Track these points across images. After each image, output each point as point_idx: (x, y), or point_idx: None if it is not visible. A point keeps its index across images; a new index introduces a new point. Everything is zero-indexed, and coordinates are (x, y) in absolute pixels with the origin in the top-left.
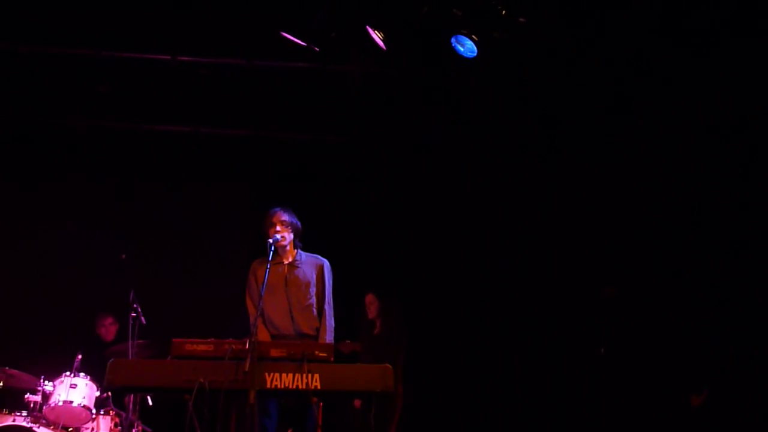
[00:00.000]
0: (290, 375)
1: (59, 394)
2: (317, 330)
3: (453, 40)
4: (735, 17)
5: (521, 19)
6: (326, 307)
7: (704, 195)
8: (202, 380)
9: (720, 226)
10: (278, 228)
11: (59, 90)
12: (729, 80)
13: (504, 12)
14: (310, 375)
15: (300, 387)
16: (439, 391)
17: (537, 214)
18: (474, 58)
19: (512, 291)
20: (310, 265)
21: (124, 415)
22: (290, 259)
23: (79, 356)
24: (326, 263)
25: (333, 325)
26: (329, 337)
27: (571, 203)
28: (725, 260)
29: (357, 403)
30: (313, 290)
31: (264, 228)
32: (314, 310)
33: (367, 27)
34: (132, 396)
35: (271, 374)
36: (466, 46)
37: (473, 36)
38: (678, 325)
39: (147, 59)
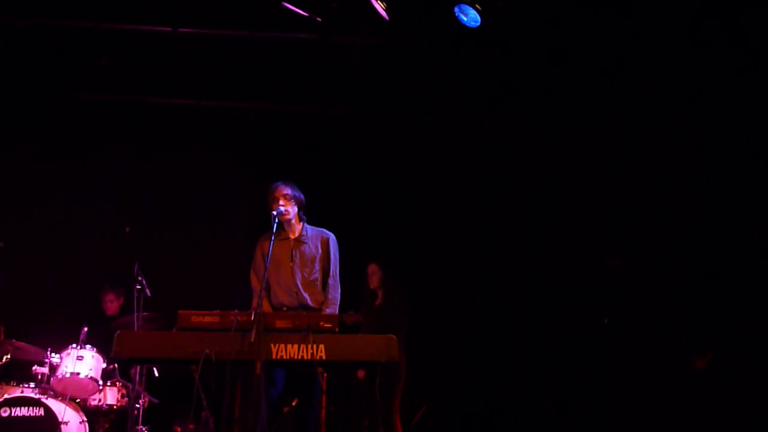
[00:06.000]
0: (295, 346)
1: (66, 366)
2: (322, 304)
3: (456, 9)
4: None
5: None
6: (330, 280)
7: (708, 164)
8: (208, 351)
9: (724, 194)
10: (281, 202)
11: (60, 63)
12: (735, 50)
13: None
14: (315, 346)
15: (305, 357)
16: (443, 361)
17: (540, 185)
18: (477, 28)
19: (516, 261)
20: (316, 239)
21: (130, 386)
22: (296, 234)
23: (85, 329)
24: (332, 237)
25: (338, 298)
26: (333, 309)
27: (575, 174)
28: (729, 228)
29: (361, 374)
30: (318, 264)
31: (267, 202)
32: (319, 284)
33: None
34: (138, 367)
35: (277, 345)
36: (470, 16)
37: (476, 5)
38: (682, 291)
39: (148, 31)
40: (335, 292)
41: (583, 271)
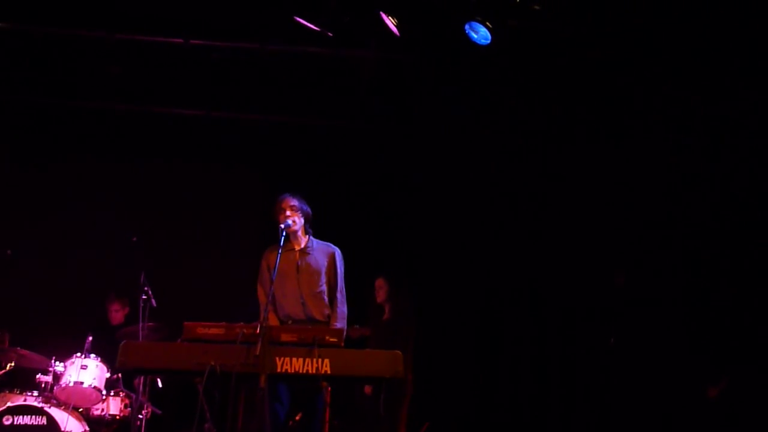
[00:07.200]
0: (300, 359)
1: (70, 375)
2: (328, 317)
3: (467, 26)
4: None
5: (536, 7)
6: (338, 294)
7: (718, 181)
8: (213, 363)
9: (735, 212)
10: (288, 213)
11: (72, 72)
12: (742, 67)
13: None
14: (320, 360)
15: (310, 372)
16: (449, 377)
17: (549, 201)
18: (488, 46)
19: (523, 278)
20: (322, 253)
21: (134, 396)
22: (302, 246)
23: (90, 338)
24: (337, 251)
25: (345, 312)
26: (341, 324)
27: (583, 190)
28: (741, 247)
29: (368, 389)
30: (324, 278)
31: (274, 214)
32: (325, 297)
33: (381, 13)
34: (142, 378)
35: (282, 358)
36: (480, 33)
37: (487, 23)
38: (693, 314)
39: (160, 42)
40: (343, 307)
41: (590, 289)
